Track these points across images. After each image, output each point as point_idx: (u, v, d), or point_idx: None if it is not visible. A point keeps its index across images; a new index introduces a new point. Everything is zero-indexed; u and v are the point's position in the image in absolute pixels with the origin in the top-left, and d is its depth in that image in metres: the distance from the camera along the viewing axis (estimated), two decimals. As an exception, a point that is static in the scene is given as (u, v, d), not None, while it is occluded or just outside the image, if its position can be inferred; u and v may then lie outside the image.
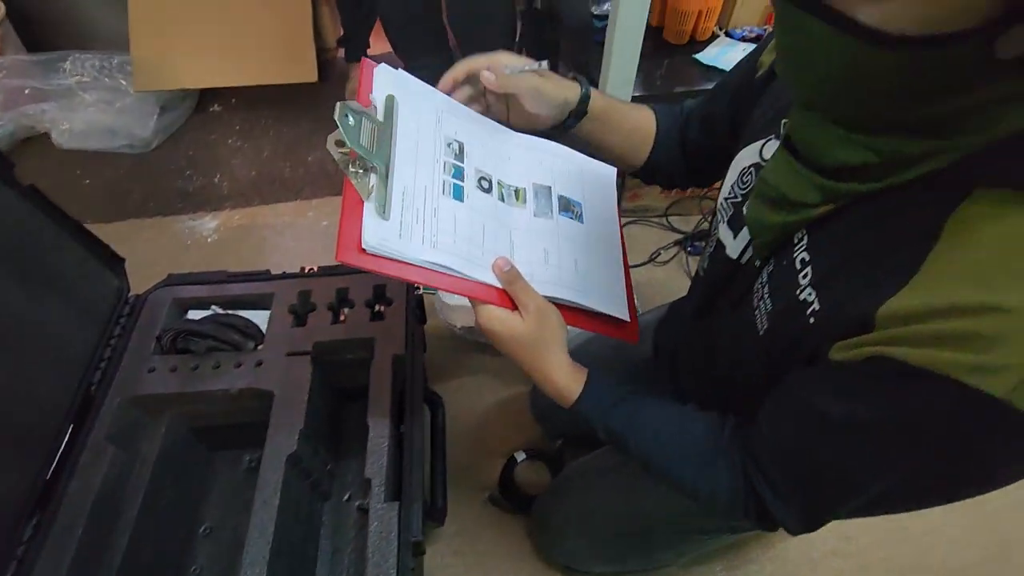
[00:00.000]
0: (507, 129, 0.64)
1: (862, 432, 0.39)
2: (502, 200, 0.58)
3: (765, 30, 1.15)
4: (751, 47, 1.12)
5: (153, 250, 1.43)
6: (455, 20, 1.27)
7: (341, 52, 1.94)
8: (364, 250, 0.46)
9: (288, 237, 1.47)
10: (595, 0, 1.19)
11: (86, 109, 1.63)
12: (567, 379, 0.55)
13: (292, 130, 1.80)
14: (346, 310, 0.87)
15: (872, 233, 0.38)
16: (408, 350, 0.80)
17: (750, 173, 0.53)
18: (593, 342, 0.97)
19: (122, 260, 0.86)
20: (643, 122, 0.68)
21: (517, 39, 1.84)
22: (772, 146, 0.51)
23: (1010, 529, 1.01)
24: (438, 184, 0.54)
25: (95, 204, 1.54)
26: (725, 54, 1.10)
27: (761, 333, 0.48)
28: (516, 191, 0.60)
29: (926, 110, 0.33)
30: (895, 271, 0.35)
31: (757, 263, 0.50)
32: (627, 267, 0.64)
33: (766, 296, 0.48)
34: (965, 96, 0.32)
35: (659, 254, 1.40)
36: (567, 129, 0.64)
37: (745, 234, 0.51)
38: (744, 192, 0.54)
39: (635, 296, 1.13)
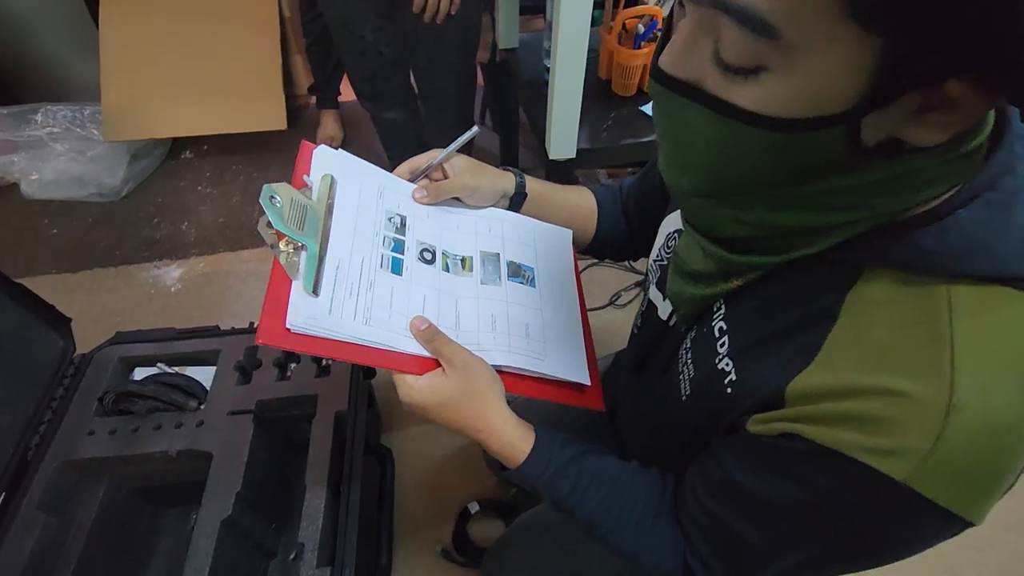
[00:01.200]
0: (453, 205, 0.64)
1: (776, 505, 0.39)
2: (446, 270, 0.58)
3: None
4: (694, 98, 1.16)
5: (115, 300, 1.42)
6: (419, 73, 1.31)
7: (312, 99, 1.99)
8: (289, 330, 0.46)
9: (251, 285, 1.48)
10: (545, 53, 1.23)
11: (56, 159, 1.65)
12: (511, 436, 0.52)
13: (262, 175, 1.83)
14: (293, 365, 0.88)
15: (780, 311, 0.40)
16: (351, 407, 0.80)
17: (674, 238, 0.55)
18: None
19: (68, 320, 0.87)
20: (583, 201, 0.70)
21: (480, 97, 1.89)
22: None
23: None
24: (375, 258, 0.54)
25: (61, 254, 1.54)
26: (669, 106, 1.14)
27: (684, 398, 0.49)
28: (462, 260, 0.60)
29: (804, 188, 0.35)
30: (801, 349, 0.37)
31: (682, 328, 0.51)
32: (588, 330, 0.62)
33: (689, 362, 0.49)
34: (839, 178, 0.33)
35: (619, 296, 1.42)
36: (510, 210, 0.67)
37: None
38: (669, 256, 0.56)
39: (594, 340, 1.15)
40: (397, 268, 0.55)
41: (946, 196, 0.33)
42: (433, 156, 0.61)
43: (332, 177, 0.56)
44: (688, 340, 0.49)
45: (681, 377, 0.50)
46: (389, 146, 1.48)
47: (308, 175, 0.55)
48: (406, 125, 1.43)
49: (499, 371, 0.52)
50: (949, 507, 0.32)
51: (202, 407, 0.82)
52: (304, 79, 2.01)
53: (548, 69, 1.23)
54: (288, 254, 0.49)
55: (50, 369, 0.83)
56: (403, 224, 0.58)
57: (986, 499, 0.32)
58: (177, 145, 1.89)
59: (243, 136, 1.81)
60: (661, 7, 1.16)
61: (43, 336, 0.83)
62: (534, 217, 0.66)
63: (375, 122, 1.43)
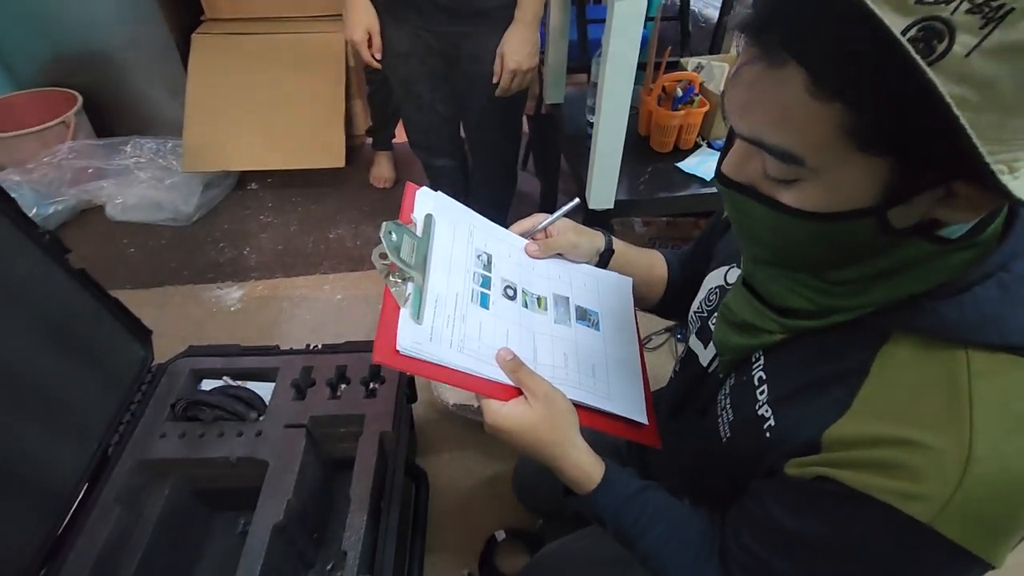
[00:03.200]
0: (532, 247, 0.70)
1: (812, 544, 0.43)
2: (525, 307, 0.63)
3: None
4: (729, 157, 1.22)
5: (181, 316, 1.55)
6: (470, 128, 1.42)
7: (369, 140, 2.14)
8: (398, 352, 0.51)
9: (304, 309, 1.58)
10: (589, 109, 1.32)
11: (139, 185, 1.82)
12: (585, 465, 0.55)
13: (319, 208, 1.96)
14: (343, 386, 0.95)
15: (817, 365, 0.45)
16: (395, 428, 0.87)
17: (716, 293, 0.61)
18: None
19: (150, 332, 0.97)
20: (656, 262, 0.77)
21: (524, 143, 2.01)
22: (734, 273, 0.58)
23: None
24: (467, 292, 0.59)
25: (136, 271, 1.69)
26: (704, 163, 1.20)
27: (724, 440, 0.53)
28: (539, 299, 0.65)
29: (846, 272, 0.41)
30: (835, 401, 0.41)
31: (721, 375, 0.56)
32: (645, 372, 0.66)
33: (728, 407, 0.53)
34: (877, 259, 0.40)
35: (650, 339, 1.46)
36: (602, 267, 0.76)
37: (713, 347, 0.57)
38: (710, 309, 0.61)
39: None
40: (485, 302, 0.60)
41: (966, 274, 0.39)
42: (540, 219, 0.70)
43: (432, 216, 0.63)
44: (727, 387, 0.54)
45: (720, 421, 0.54)
46: (437, 189, 1.59)
47: (413, 213, 0.62)
48: (455, 171, 1.53)
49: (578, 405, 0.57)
50: (970, 548, 0.36)
51: (261, 419, 0.89)
52: (362, 121, 2.17)
53: (590, 124, 1.32)
54: (397, 284, 0.55)
55: (131, 376, 0.93)
56: (489, 262, 0.64)
57: (1004, 542, 0.36)
58: (244, 177, 2.06)
59: (304, 171, 1.96)
60: (699, 73, 1.25)
61: (128, 346, 0.94)
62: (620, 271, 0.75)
63: (426, 167, 1.54)
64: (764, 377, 0.49)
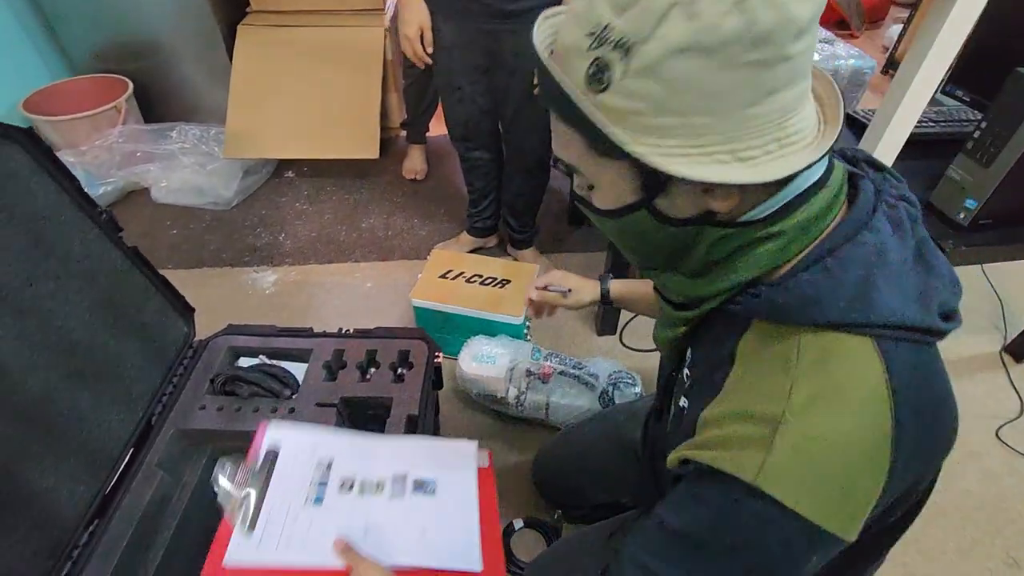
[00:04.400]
0: (380, 438, 0.78)
1: (680, 533, 0.45)
2: (361, 494, 0.71)
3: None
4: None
5: (218, 296, 1.61)
6: (506, 122, 1.44)
7: (403, 133, 2.18)
8: (224, 567, 0.60)
9: (335, 295, 1.63)
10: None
11: (182, 170, 1.89)
12: None
13: (352, 197, 2.01)
14: (373, 370, 0.99)
15: (709, 355, 0.50)
16: (421, 412, 0.90)
17: None
18: (589, 424, 1.04)
19: (193, 310, 1.02)
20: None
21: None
22: None
23: None
24: (302, 498, 0.68)
25: (177, 252, 1.76)
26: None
27: (669, 430, 0.60)
28: (377, 484, 0.72)
29: (686, 262, 0.48)
30: (713, 387, 0.46)
31: (669, 369, 0.62)
32: (491, 525, 0.71)
33: (675, 403, 0.59)
34: (696, 249, 0.46)
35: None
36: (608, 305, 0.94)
37: None
38: None
39: (640, 382, 1.20)
40: (319, 500, 0.69)
41: (797, 260, 0.44)
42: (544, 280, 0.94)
43: (276, 451, 0.73)
44: (675, 385, 0.61)
45: (672, 415, 0.61)
46: (471, 179, 1.62)
47: (260, 446, 0.73)
48: (490, 164, 1.56)
49: (399, 570, 0.62)
50: (797, 510, 0.38)
51: (294, 397, 0.93)
52: (397, 114, 2.21)
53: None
54: (234, 508, 0.65)
55: (175, 350, 0.98)
56: (329, 466, 0.73)
57: (832, 506, 0.39)
58: (282, 165, 2.12)
59: (339, 161, 2.01)
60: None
61: (173, 322, 0.98)
62: (627, 306, 0.94)
63: (462, 159, 1.57)
64: (688, 374, 0.55)
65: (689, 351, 0.56)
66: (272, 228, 1.87)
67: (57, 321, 0.76)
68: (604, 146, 0.40)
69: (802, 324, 0.41)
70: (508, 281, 1.34)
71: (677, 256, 0.48)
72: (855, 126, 1.34)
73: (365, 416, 0.95)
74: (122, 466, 0.83)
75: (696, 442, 0.45)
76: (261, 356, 1.02)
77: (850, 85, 1.81)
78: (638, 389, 1.16)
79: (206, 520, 0.91)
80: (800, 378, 0.40)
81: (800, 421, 0.38)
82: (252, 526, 0.64)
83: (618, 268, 1.33)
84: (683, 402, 0.54)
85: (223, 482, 0.66)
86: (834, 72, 1.77)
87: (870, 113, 1.32)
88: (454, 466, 0.77)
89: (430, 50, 1.30)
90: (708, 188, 0.40)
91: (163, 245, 1.78)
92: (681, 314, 0.52)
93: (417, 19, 1.25)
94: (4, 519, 0.68)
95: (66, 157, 1.73)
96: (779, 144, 0.39)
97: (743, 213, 0.43)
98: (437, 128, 2.29)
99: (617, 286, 0.91)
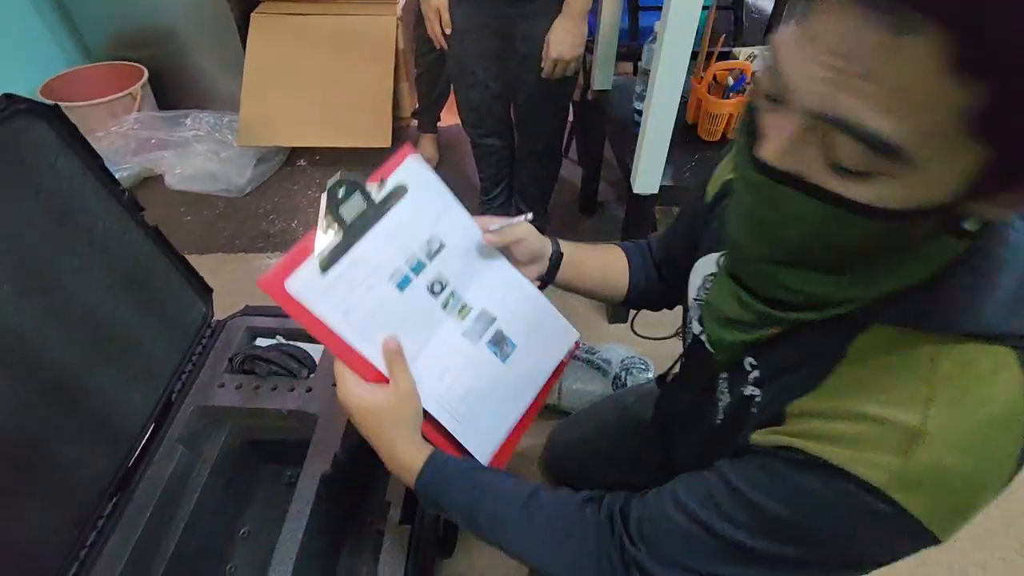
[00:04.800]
0: (502, 259, 0.67)
1: (760, 507, 0.43)
2: (444, 308, 0.62)
3: (793, 132, 1.24)
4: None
5: (233, 281, 1.63)
6: (518, 108, 1.45)
7: (414, 122, 2.19)
8: (285, 289, 0.52)
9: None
10: (637, 96, 1.33)
11: (196, 157, 1.91)
12: (414, 453, 0.57)
13: (364, 186, 2.02)
14: (388, 351, 1.00)
15: (800, 350, 0.45)
16: (436, 392, 0.91)
17: (711, 279, 0.59)
18: (599, 406, 1.05)
19: (211, 291, 1.03)
20: (615, 261, 0.76)
21: (568, 126, 2.02)
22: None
23: None
24: (390, 269, 0.58)
25: (192, 238, 1.78)
26: (752, 152, 1.20)
27: (717, 422, 0.55)
28: (463, 307, 0.63)
29: (860, 266, 0.39)
30: (808, 378, 0.43)
31: (722, 370, 0.56)
32: (521, 426, 0.65)
33: (725, 390, 0.54)
34: (904, 254, 0.38)
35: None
36: (548, 282, 0.72)
37: None
38: (707, 294, 0.60)
39: (652, 367, 1.20)
40: (403, 285, 0.58)
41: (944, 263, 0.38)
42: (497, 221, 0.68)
43: (405, 188, 0.59)
44: (725, 372, 0.55)
45: (719, 403, 0.55)
46: (483, 167, 1.62)
47: (387, 176, 0.58)
48: (502, 151, 1.57)
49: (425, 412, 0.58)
50: (920, 518, 0.37)
51: (311, 376, 0.94)
52: (408, 103, 2.21)
53: (638, 111, 1.33)
54: (324, 231, 0.54)
55: (194, 329, 0.99)
56: (436, 252, 0.61)
57: (952, 519, 0.38)
58: (294, 153, 2.14)
59: (351, 150, 2.02)
60: (752, 63, 1.24)
61: (192, 301, 1.00)
62: (571, 280, 0.72)
63: (474, 146, 1.58)
64: (754, 362, 0.49)
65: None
66: (285, 215, 1.88)
67: (81, 297, 0.78)
68: (983, 120, 0.28)
69: (947, 331, 0.37)
70: (521, 267, 1.34)
71: (871, 259, 0.39)
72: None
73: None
74: (143, 441, 0.84)
75: (796, 431, 0.42)
76: (278, 336, 1.03)
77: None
78: (651, 374, 1.17)
79: (225, 495, 0.93)
80: (939, 389, 0.36)
81: (940, 435, 0.36)
82: (326, 268, 0.53)
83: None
84: (751, 391, 0.49)
85: (332, 196, 0.54)
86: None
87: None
88: (544, 346, 0.68)
89: (448, 31, 1.30)
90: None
91: (178, 231, 1.79)
92: (779, 315, 0.44)
93: (435, 1, 1.26)
94: (31, 489, 0.69)
95: (82, 143, 1.75)
96: None
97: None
98: (448, 117, 2.30)
99: (570, 248, 0.73)
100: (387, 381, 0.57)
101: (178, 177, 1.91)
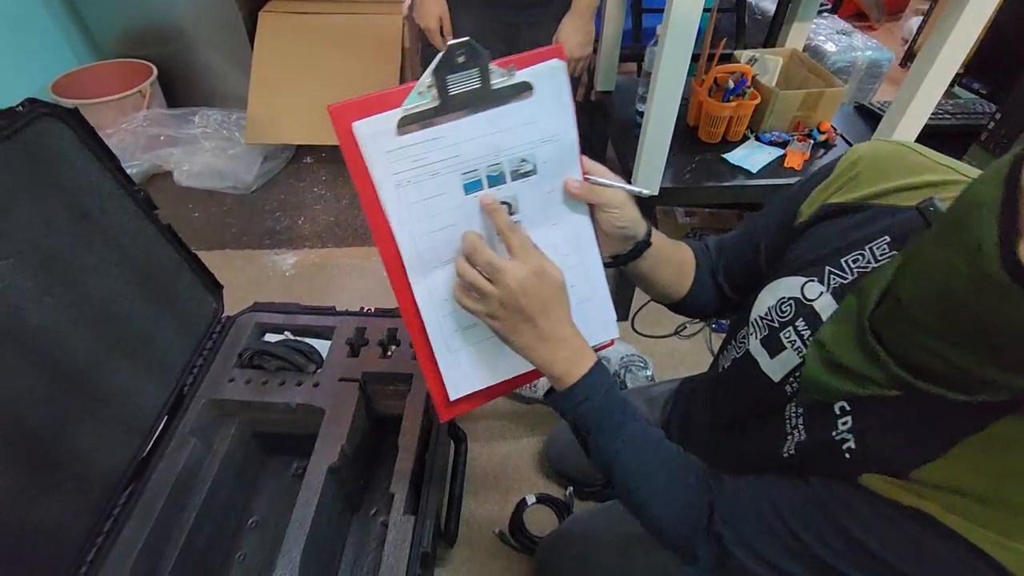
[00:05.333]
0: (587, 217, 0.60)
1: (876, 556, 0.42)
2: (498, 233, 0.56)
3: (793, 136, 1.26)
4: (777, 151, 1.24)
5: (240, 277, 1.66)
6: None
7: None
8: (352, 130, 0.48)
9: (354, 277, 1.67)
10: (639, 98, 1.35)
11: (204, 154, 1.93)
12: (583, 345, 0.56)
13: (369, 184, 2.05)
14: (393, 347, 1.02)
15: (919, 414, 0.41)
16: (440, 388, 0.93)
17: (789, 304, 0.55)
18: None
19: (221, 287, 1.06)
20: (687, 256, 0.71)
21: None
22: (812, 287, 0.53)
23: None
24: (468, 166, 0.51)
25: (200, 234, 1.80)
26: (751, 156, 1.22)
27: (786, 455, 0.51)
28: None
29: None
30: (927, 444, 0.40)
31: (790, 389, 0.53)
32: (500, 389, 0.63)
33: (800, 426, 0.50)
34: None
35: (684, 327, 1.48)
36: (623, 263, 0.65)
37: (783, 359, 0.54)
38: (783, 320, 0.56)
39: (651, 365, 1.22)
40: (470, 188, 0.53)
41: None
42: (605, 173, 0.60)
43: (531, 89, 0.51)
44: (801, 407, 0.51)
45: (789, 438, 0.51)
46: None
47: (521, 68, 0.51)
48: None
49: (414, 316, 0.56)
50: None
51: (318, 372, 0.97)
52: (414, 102, 2.23)
53: (640, 112, 1.35)
54: (422, 91, 0.49)
55: (205, 324, 1.02)
56: (525, 174, 0.54)
57: None
58: (300, 151, 2.16)
59: (357, 148, 2.04)
60: (752, 66, 1.26)
61: (203, 298, 1.02)
62: (649, 268, 0.66)
63: None
64: (848, 408, 0.45)
65: None
66: (291, 212, 1.91)
67: (99, 293, 0.80)
68: None
69: None
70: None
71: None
72: (870, 117, 1.35)
73: (386, 393, 0.99)
74: (157, 433, 0.87)
75: (932, 497, 0.40)
76: (286, 332, 1.05)
77: (867, 77, 1.81)
78: (649, 372, 1.19)
79: (235, 486, 0.96)
80: None
81: None
82: (403, 127, 0.48)
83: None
84: (842, 438, 0.45)
85: (441, 58, 0.48)
86: (851, 64, 1.77)
87: (885, 105, 1.33)
88: (581, 328, 0.58)
89: (451, 40, 1.31)
90: None
91: (186, 227, 1.82)
92: (917, 383, 0.39)
93: (435, 11, 1.26)
94: (49, 477, 0.72)
95: (93, 140, 1.78)
96: None
97: None
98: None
99: (658, 238, 0.66)
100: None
101: (186, 174, 1.93)
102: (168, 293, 0.94)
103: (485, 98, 0.50)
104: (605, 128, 1.56)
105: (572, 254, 0.61)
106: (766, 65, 1.27)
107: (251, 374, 0.96)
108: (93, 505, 0.77)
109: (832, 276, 0.52)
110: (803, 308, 0.53)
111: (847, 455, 0.45)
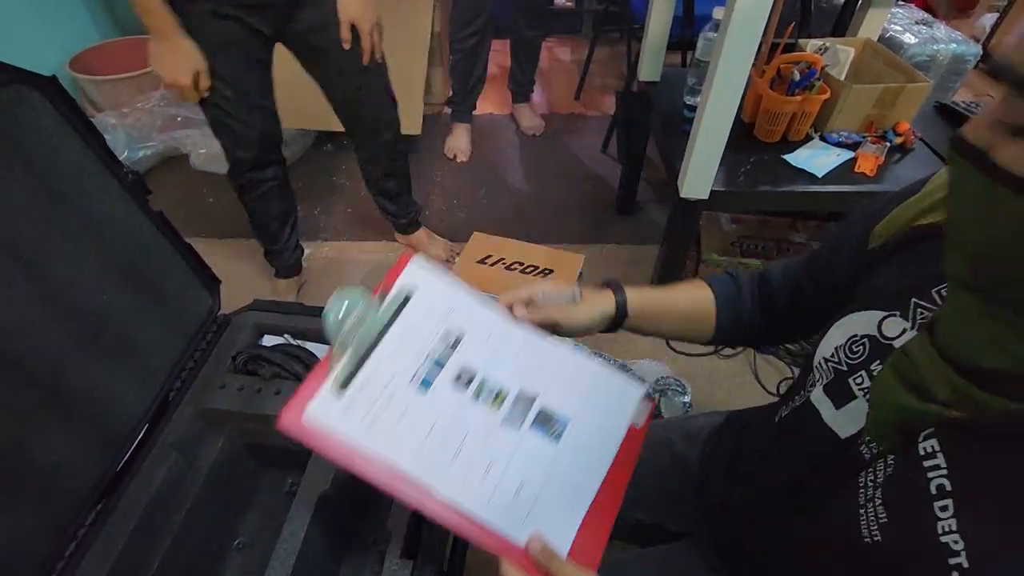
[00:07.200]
0: (532, 331, 0.61)
1: None
2: (476, 398, 0.57)
3: (865, 137, 1.11)
4: (846, 153, 1.09)
5: (250, 268, 1.58)
6: (348, 102, 1.38)
7: (446, 110, 2.10)
8: (303, 422, 0.51)
9: (368, 274, 1.57)
10: (689, 90, 1.22)
11: (222, 138, 1.86)
12: None
13: (391, 175, 1.95)
14: (402, 359, 0.92)
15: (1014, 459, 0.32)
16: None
17: (862, 343, 0.48)
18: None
19: (219, 282, 0.96)
20: (698, 301, 0.67)
21: (613, 116, 1.90)
22: (893, 323, 0.46)
23: None
24: (410, 373, 0.56)
25: (212, 221, 1.73)
26: (816, 157, 1.07)
27: (867, 542, 0.40)
28: (497, 393, 0.58)
29: None
30: None
31: (863, 448, 0.44)
32: (602, 506, 0.54)
33: (876, 500, 0.40)
34: None
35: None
36: (613, 331, 0.65)
37: (852, 410, 0.46)
38: (852, 363, 0.48)
39: (689, 391, 1.10)
40: (426, 384, 0.56)
41: None
42: (532, 291, 0.64)
43: (410, 291, 0.60)
44: (877, 471, 0.41)
45: (862, 516, 0.41)
46: (266, 209, 1.51)
47: (390, 286, 0.60)
48: (284, 178, 1.53)
49: (473, 521, 0.51)
50: None
51: (317, 382, 0.87)
52: (440, 89, 2.13)
53: (688, 106, 1.21)
54: (337, 351, 0.55)
55: (197, 323, 0.92)
56: (456, 343, 0.59)
57: None
58: (321, 137, 2.07)
59: (380, 136, 1.94)
60: (822, 56, 1.11)
61: (197, 293, 0.93)
62: (639, 329, 0.66)
63: (247, 191, 1.48)
64: (948, 488, 0.34)
65: (939, 454, 0.36)
66: (308, 201, 1.82)
67: (73, 285, 0.72)
68: None
69: None
70: (551, 271, 1.25)
71: None
72: (954, 119, 1.19)
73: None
74: (135, 444, 0.78)
75: None
76: (286, 335, 0.96)
77: (948, 73, 1.63)
78: (687, 399, 1.06)
79: (220, 504, 0.87)
80: None
81: None
82: (344, 385, 0.53)
83: (670, 268, 1.23)
84: (947, 539, 0.33)
85: (333, 316, 0.55)
86: (931, 58, 1.60)
87: (973, 106, 1.17)
88: (603, 410, 0.59)
89: (207, 83, 1.14)
90: None
91: (199, 213, 1.75)
92: (977, 392, 0.33)
93: (189, 65, 1.09)
94: (8, 491, 0.64)
95: (108, 119, 1.72)
96: None
97: None
98: (484, 106, 2.21)
99: (637, 305, 0.64)
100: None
101: (203, 157, 1.86)
102: (157, 288, 0.85)
103: (386, 321, 0.57)
104: (647, 122, 1.43)
105: (545, 365, 0.61)
106: (837, 56, 1.12)
107: (244, 381, 0.87)
108: (57, 523, 0.68)
109: (919, 311, 0.43)
110: (880, 348, 0.45)
111: (955, 573, 0.32)
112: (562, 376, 0.60)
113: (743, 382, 1.27)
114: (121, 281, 0.78)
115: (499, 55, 2.24)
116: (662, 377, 1.08)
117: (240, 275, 1.54)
